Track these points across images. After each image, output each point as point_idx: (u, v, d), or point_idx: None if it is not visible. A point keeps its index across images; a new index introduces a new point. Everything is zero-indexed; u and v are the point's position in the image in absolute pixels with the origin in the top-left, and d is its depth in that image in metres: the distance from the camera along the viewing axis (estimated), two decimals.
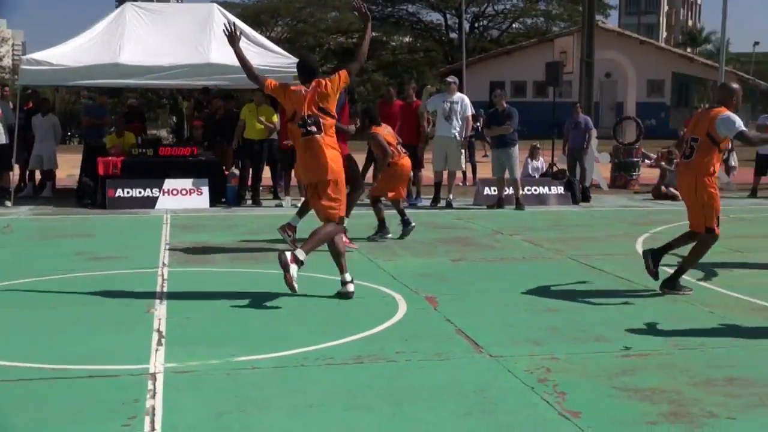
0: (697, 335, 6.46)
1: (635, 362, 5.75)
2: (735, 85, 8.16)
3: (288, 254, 7.27)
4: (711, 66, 46.15)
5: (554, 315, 7.13)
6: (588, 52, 22.50)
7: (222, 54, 14.24)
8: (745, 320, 6.96)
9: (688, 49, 76.49)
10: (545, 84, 23.01)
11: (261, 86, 8.21)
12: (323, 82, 7.78)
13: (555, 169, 18.09)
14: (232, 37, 8.05)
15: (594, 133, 18.17)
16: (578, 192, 16.07)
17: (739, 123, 7.79)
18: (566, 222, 12.82)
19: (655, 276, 8.15)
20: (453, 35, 64.16)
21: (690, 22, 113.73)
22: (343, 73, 7.87)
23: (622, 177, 19.52)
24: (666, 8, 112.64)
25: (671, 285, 8.05)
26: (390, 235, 11.28)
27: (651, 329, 6.66)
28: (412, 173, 15.14)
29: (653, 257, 8.20)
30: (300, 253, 7.30)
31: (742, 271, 9.24)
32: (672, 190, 16.70)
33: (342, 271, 7.75)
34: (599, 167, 19.03)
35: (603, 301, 7.69)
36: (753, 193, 17.59)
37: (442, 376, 5.45)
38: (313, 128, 7.66)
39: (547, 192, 15.92)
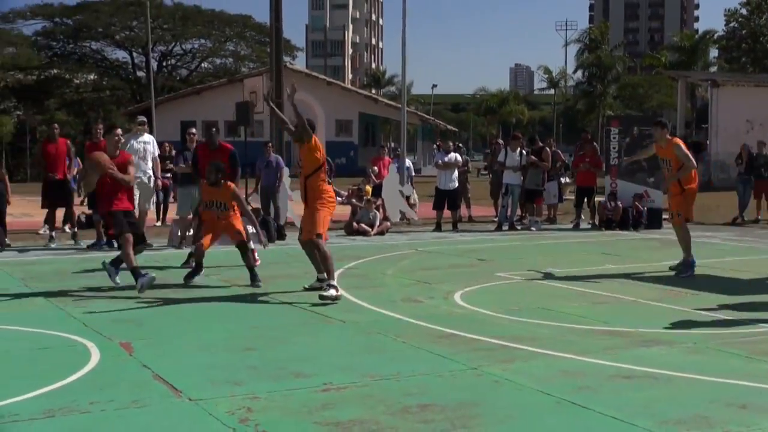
0: (392, 365, 6.68)
1: (335, 396, 5.85)
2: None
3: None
4: (394, 107, 48.46)
5: (253, 354, 7.11)
6: (277, 92, 22.86)
7: None
8: (434, 348, 7.30)
9: (373, 91, 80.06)
10: (236, 123, 23.08)
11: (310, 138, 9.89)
12: None
13: (250, 208, 18.10)
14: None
15: (286, 171, 18.42)
16: (273, 230, 16.21)
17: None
18: (263, 260, 12.85)
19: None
20: (141, 74, 63.07)
21: (374, 65, 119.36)
22: None
23: None
24: (350, 51, 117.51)
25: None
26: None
27: (348, 362, 6.80)
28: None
29: None
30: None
31: (429, 302, 9.69)
32: (363, 225, 17.30)
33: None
34: (293, 205, 19.32)
35: (301, 337, 7.77)
36: (437, 227, 18.58)
37: (141, 424, 5.25)
38: None
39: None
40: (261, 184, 18.32)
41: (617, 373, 6.49)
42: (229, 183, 11.04)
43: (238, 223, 11.00)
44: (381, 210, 18.65)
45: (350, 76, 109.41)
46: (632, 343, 7.60)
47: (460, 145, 27.43)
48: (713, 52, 65.91)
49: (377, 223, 17.72)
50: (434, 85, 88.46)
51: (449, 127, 64.41)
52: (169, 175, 18.43)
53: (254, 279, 10.67)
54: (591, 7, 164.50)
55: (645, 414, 5.44)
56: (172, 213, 17.48)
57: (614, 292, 10.18)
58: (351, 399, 5.78)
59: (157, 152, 15.28)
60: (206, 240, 10.78)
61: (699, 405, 5.66)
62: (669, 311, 9.12)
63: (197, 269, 10.99)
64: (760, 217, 20.42)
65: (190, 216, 15.01)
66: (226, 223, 10.92)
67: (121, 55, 64.95)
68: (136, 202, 14.72)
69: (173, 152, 19.31)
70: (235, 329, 8.13)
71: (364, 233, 17.20)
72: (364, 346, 7.47)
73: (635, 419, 5.33)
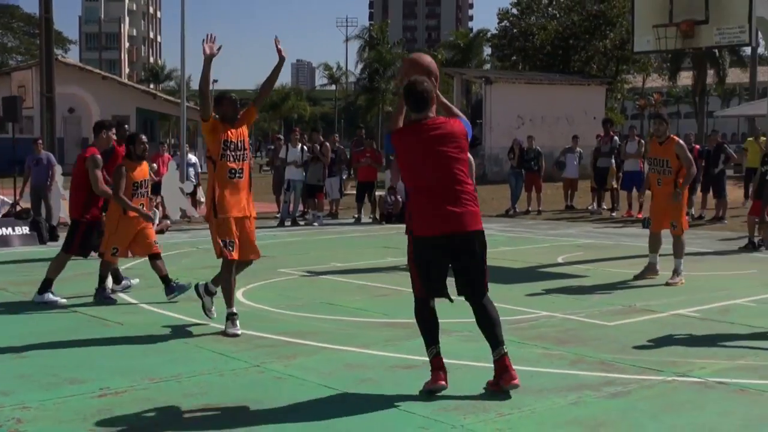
0: (173, 366, 6.52)
1: (112, 401, 5.64)
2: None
3: None
4: (174, 102, 47.46)
5: (23, 361, 6.76)
6: (48, 87, 21.88)
7: None
8: (216, 347, 7.20)
9: (151, 85, 78.08)
10: (3, 119, 21.92)
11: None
12: None
13: (19, 208, 17.23)
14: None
15: (58, 169, 17.64)
16: (45, 231, 15.53)
17: None
18: (33, 263, 12.26)
19: None
20: None
21: (152, 59, 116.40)
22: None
23: None
24: (127, 45, 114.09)
25: None
26: None
27: (127, 365, 6.59)
28: None
29: None
30: None
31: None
32: None
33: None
34: (65, 204, 18.53)
35: (77, 342, 7.46)
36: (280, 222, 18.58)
37: None
38: None
39: (11, 233, 15.16)
40: (31, 183, 17.47)
41: (398, 364, 6.63)
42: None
43: None
44: (160, 208, 18.22)
45: (127, 70, 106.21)
46: (412, 333, 7.74)
47: None
48: (487, 50, 68.58)
49: (156, 221, 17.27)
50: (215, 80, 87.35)
51: None
52: None
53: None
54: (371, 5, 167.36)
55: (424, 403, 5.58)
56: None
57: (395, 285, 10.39)
58: (129, 403, 5.60)
59: None
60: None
61: (475, 391, 5.86)
62: (446, 301, 9.38)
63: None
64: (530, 208, 21.44)
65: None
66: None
67: None
68: None
69: None
70: (3, 336, 7.69)
71: None
72: (143, 348, 7.26)
73: (414, 408, 5.46)
